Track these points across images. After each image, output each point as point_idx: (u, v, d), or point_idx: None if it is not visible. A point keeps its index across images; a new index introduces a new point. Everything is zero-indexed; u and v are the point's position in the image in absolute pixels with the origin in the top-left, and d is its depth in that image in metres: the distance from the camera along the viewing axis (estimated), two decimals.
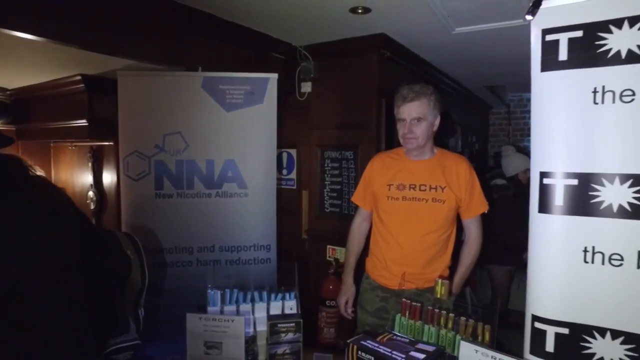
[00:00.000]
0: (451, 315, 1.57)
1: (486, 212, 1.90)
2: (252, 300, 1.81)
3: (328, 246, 3.10)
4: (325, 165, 3.15)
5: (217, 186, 2.53)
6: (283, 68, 3.13)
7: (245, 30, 2.70)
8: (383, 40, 2.83)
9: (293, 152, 3.36)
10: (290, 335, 1.72)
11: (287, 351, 1.70)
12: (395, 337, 1.58)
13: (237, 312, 1.75)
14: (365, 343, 1.48)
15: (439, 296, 1.67)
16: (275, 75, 2.60)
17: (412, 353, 1.44)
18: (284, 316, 1.79)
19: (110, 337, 1.25)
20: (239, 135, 2.57)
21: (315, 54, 3.08)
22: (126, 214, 2.45)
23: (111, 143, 3.25)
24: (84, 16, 2.01)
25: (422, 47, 3.11)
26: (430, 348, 1.49)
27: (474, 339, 1.49)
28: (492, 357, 1.32)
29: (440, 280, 1.66)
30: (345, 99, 3.05)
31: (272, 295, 1.83)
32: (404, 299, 1.67)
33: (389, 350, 1.43)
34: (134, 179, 2.43)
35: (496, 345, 1.44)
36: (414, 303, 1.65)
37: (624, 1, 1.17)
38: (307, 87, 3.20)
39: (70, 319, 0.93)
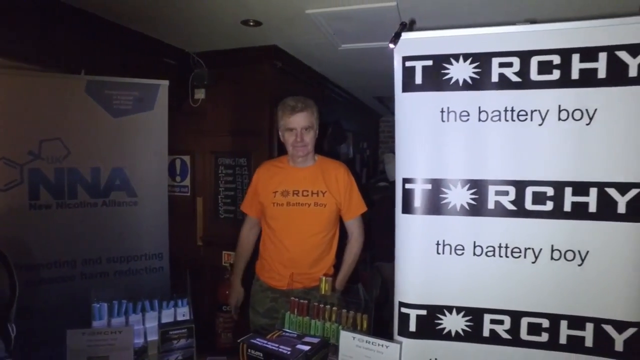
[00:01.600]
0: (334, 309, 1.74)
1: (365, 212, 2.12)
2: (143, 310, 1.79)
3: (223, 252, 3.13)
4: (219, 171, 3.18)
5: (103, 195, 2.42)
6: (176, 74, 3.10)
7: (135, 34, 2.62)
8: (275, 51, 2.96)
9: (187, 158, 3.32)
10: (182, 342, 1.73)
11: (180, 357, 1.72)
12: (284, 333, 1.71)
13: (127, 324, 1.72)
14: (254, 341, 1.58)
15: (323, 292, 1.83)
16: (166, 82, 2.58)
17: (299, 346, 1.57)
18: (176, 323, 1.80)
19: None
20: (128, 142, 2.49)
21: (209, 61, 3.10)
22: None
23: None
24: None
25: (313, 60, 3.31)
26: (316, 340, 1.64)
27: (354, 328, 1.67)
28: (366, 341, 1.51)
29: (324, 278, 1.83)
30: (239, 107, 3.12)
31: (164, 304, 1.83)
32: (292, 298, 1.81)
33: (277, 345, 1.55)
34: (1, 189, 2.20)
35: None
36: (301, 300, 1.79)
37: (459, 40, 1.45)
38: (200, 94, 3.20)
39: None
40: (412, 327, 1.51)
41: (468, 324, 1.48)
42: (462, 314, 1.48)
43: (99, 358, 1.56)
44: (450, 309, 1.49)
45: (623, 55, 1.32)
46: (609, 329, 1.37)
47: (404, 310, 1.53)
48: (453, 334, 1.49)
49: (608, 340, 1.38)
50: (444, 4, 2.13)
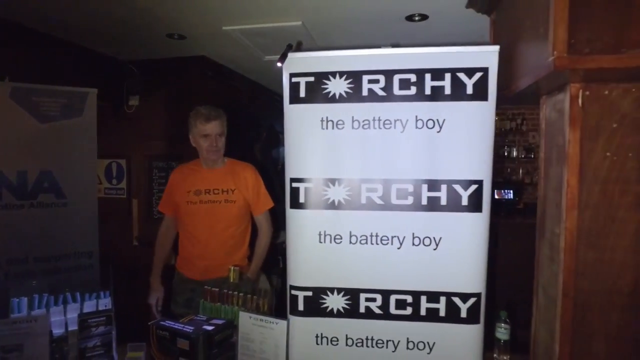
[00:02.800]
0: (241, 295, 1.95)
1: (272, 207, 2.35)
2: (65, 303, 1.91)
3: None
4: (153, 174, 3.32)
5: (30, 197, 2.53)
6: (111, 81, 3.22)
7: (68, 44, 2.74)
8: (204, 61, 3.15)
9: (123, 162, 3.44)
10: (101, 329, 1.86)
11: (98, 344, 1.85)
12: (196, 318, 1.89)
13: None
14: (163, 323, 1.76)
15: (232, 280, 2.04)
16: (94, 90, 2.71)
17: (204, 326, 1.77)
18: (96, 312, 1.93)
19: None
20: (56, 147, 2.60)
21: (143, 69, 3.24)
22: None
23: None
24: None
25: (243, 68, 3.52)
26: (221, 322, 1.84)
27: (258, 311, 1.89)
28: (260, 319, 1.73)
29: (232, 268, 2.04)
30: (171, 113, 3.28)
31: (87, 296, 1.96)
32: (205, 287, 2.00)
33: (182, 325, 1.74)
34: None
35: None
36: (213, 289, 1.99)
37: (335, 59, 1.70)
38: (135, 101, 3.34)
39: None
40: (301, 306, 1.75)
41: (347, 302, 1.73)
42: (342, 294, 1.73)
43: (14, 345, 1.66)
44: (332, 290, 1.74)
45: (462, 76, 1.62)
46: (457, 300, 1.66)
47: (293, 292, 1.76)
48: (335, 311, 1.74)
49: (456, 310, 1.66)
50: (339, 24, 2.40)
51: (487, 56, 1.61)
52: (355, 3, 2.18)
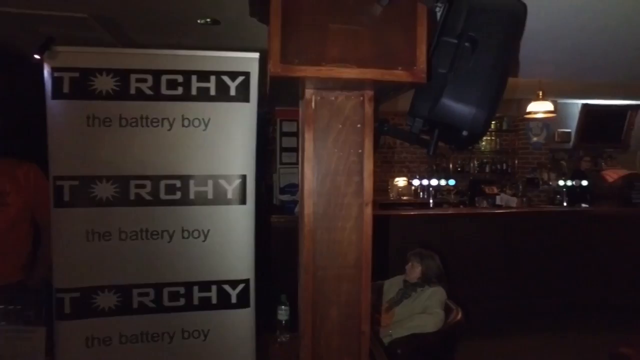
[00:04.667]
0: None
1: None
2: None
3: None
4: None
5: None
6: None
7: None
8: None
9: None
10: None
11: None
12: None
13: None
14: None
15: None
16: None
17: None
18: None
19: None
20: None
21: None
22: None
23: None
24: None
25: None
26: None
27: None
28: (11, 330, 1.62)
29: None
30: None
31: None
32: None
33: None
34: None
35: None
36: None
37: (103, 57, 1.71)
38: None
39: None
40: (67, 309, 1.69)
41: (119, 299, 1.73)
42: (113, 291, 1.72)
43: None
44: (102, 288, 1.71)
45: (226, 79, 1.76)
46: (227, 287, 1.79)
47: (59, 295, 1.69)
48: (106, 310, 1.72)
49: (227, 296, 1.79)
50: (139, 23, 2.39)
51: (249, 62, 1.79)
52: (153, 4, 2.19)
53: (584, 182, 5.38)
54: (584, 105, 6.37)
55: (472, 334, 2.96)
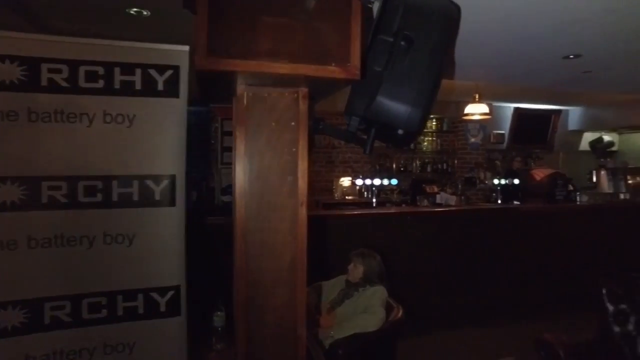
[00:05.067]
0: None
1: None
2: None
3: None
4: None
5: None
6: None
7: None
8: None
9: None
10: None
11: None
12: None
13: None
14: None
15: None
16: None
17: None
18: None
19: None
20: None
21: None
22: None
23: None
24: None
25: None
26: None
27: None
28: None
29: None
30: None
31: None
32: None
33: None
34: None
35: None
36: None
37: (4, 42, 1.51)
38: None
39: None
40: None
41: (26, 315, 1.54)
42: (18, 307, 1.53)
43: None
44: (5, 305, 1.52)
45: (153, 72, 1.63)
46: (155, 295, 1.67)
47: None
48: (10, 329, 1.52)
49: (155, 305, 1.67)
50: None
51: (178, 55, 1.67)
52: None
53: (516, 181, 5.67)
54: (516, 109, 6.75)
55: (413, 332, 3.00)
